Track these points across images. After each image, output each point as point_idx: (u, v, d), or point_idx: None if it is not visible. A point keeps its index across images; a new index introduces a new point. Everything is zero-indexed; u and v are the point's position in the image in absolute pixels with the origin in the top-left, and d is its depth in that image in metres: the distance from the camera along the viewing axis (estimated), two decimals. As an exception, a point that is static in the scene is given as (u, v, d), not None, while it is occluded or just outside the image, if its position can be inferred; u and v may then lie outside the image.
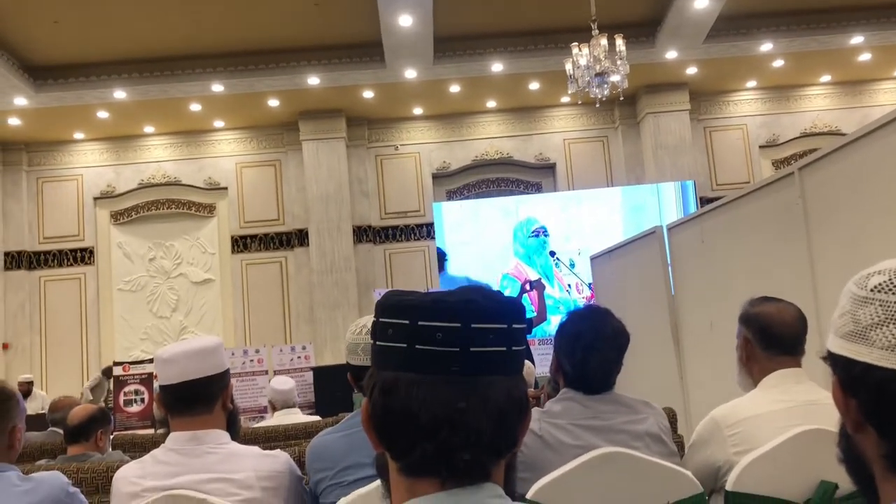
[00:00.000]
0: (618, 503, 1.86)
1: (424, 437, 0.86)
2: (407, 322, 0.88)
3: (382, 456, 0.94)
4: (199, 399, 1.92)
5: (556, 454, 1.92)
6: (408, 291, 0.94)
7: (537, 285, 6.95)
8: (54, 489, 1.94)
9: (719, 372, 4.14)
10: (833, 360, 0.93)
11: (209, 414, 1.93)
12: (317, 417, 5.04)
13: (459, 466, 0.86)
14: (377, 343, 0.92)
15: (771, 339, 2.24)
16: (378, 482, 1.51)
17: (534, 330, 7.90)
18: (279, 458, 1.95)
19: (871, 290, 0.89)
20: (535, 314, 6.79)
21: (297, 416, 4.72)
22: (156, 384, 6.52)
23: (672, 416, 3.21)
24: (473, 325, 0.87)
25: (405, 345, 0.88)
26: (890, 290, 0.87)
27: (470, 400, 0.86)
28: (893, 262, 0.91)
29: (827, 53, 11.30)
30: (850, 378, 0.90)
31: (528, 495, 1.79)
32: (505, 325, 0.89)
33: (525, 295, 7.55)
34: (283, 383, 4.94)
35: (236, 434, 2.02)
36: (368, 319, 2.00)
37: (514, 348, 0.90)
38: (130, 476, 1.89)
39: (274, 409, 4.90)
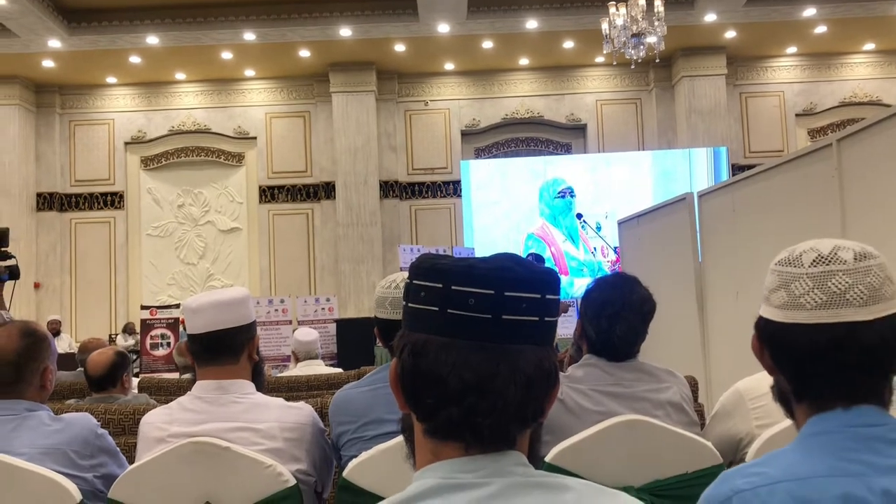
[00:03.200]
0: (637, 470, 1.87)
1: (451, 402, 0.87)
2: (440, 286, 0.88)
3: (408, 417, 0.94)
4: (225, 349, 1.94)
5: (576, 419, 1.92)
6: (443, 255, 0.93)
7: (537, 258, 6.96)
8: (84, 430, 1.98)
9: (743, 342, 4.12)
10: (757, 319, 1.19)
11: (235, 364, 1.96)
12: (339, 370, 5.09)
13: (484, 433, 0.87)
14: (409, 304, 0.92)
15: None
16: (399, 438, 1.53)
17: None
18: (303, 410, 1.97)
19: (776, 264, 1.17)
20: None
21: (319, 368, 4.78)
22: (182, 330, 6.60)
23: (693, 385, 3.21)
24: (507, 293, 0.87)
25: (437, 308, 0.88)
26: (788, 263, 1.14)
27: (499, 367, 0.86)
28: (804, 244, 1.16)
29: (872, 20, 10.97)
30: (759, 331, 1.17)
31: (548, 458, 1.81)
32: (538, 295, 0.88)
33: None
34: (307, 335, 4.99)
35: (261, 385, 2.05)
36: (399, 275, 2.01)
37: (546, 319, 0.89)
38: (157, 422, 1.92)
39: (297, 359, 4.97)
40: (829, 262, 1.10)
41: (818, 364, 1.09)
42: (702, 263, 4.85)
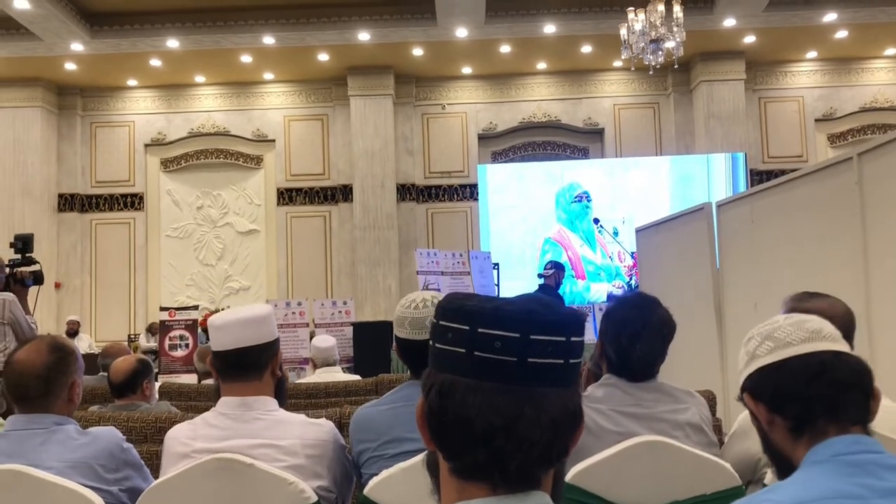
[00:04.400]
0: (655, 491, 1.88)
1: (478, 444, 0.88)
2: (467, 328, 0.89)
3: (433, 454, 0.96)
4: (249, 366, 1.97)
5: (596, 439, 1.94)
6: (469, 295, 0.94)
7: (557, 265, 6.98)
8: (110, 443, 2.02)
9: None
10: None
11: (259, 380, 1.99)
12: (356, 377, 5.12)
13: (511, 474, 0.88)
14: (436, 345, 0.93)
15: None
16: (420, 456, 1.55)
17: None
18: (324, 427, 2.00)
19: (751, 335, 1.36)
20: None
21: (337, 375, 4.81)
22: (200, 331, 6.66)
23: (711, 400, 3.21)
24: (532, 337, 0.87)
25: (464, 350, 0.89)
26: (764, 326, 1.34)
27: (525, 410, 0.87)
28: (765, 326, 1.33)
29: (893, 25, 10.88)
30: (751, 388, 1.32)
31: (567, 479, 1.82)
32: (563, 338, 0.89)
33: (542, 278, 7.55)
34: (324, 341, 5.03)
35: (284, 401, 2.08)
36: (419, 295, 2.03)
37: (570, 361, 0.90)
38: (182, 437, 1.96)
39: (315, 366, 5.00)
40: (800, 316, 1.32)
41: (813, 387, 1.24)
42: (720, 274, 4.84)
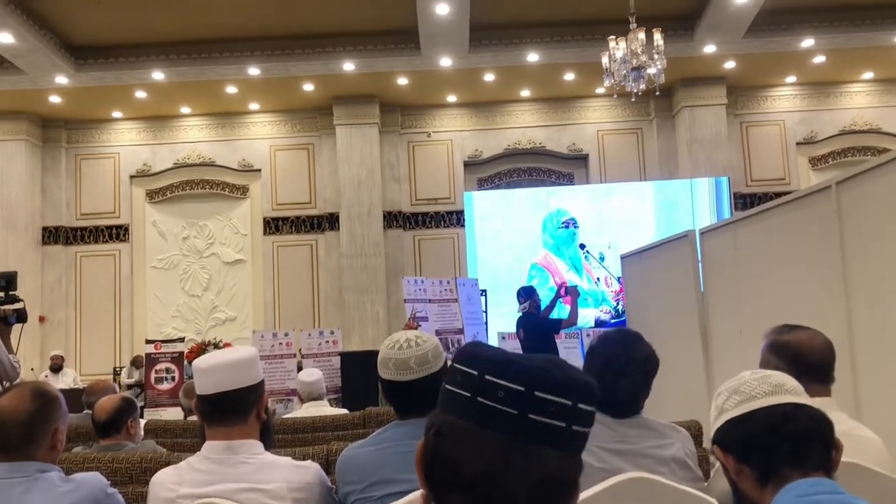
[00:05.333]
0: (641, 529, 1.88)
1: (463, 488, 0.87)
2: (475, 373, 0.89)
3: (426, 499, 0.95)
4: (234, 409, 1.97)
5: (581, 476, 1.94)
6: (489, 346, 0.94)
7: (573, 291, 6.96)
8: (94, 490, 2.01)
9: (747, 381, 4.13)
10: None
11: (244, 424, 1.98)
12: (343, 410, 5.09)
13: None
14: (446, 385, 0.93)
15: (803, 367, 2.22)
16: (406, 498, 1.55)
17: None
18: (310, 470, 2.00)
19: (719, 391, 1.46)
20: (567, 318, 6.83)
21: (324, 409, 4.78)
22: (186, 364, 6.60)
23: (698, 430, 3.22)
24: (537, 393, 0.86)
25: (468, 394, 0.89)
26: (731, 382, 1.43)
27: (514, 463, 0.86)
28: (733, 381, 1.43)
29: (870, 50, 11.08)
30: (720, 441, 1.40)
31: (553, 518, 1.82)
32: (569, 402, 0.87)
33: (559, 299, 7.56)
34: (310, 375, 5.00)
35: (270, 443, 2.07)
36: (402, 335, 2.03)
37: (574, 427, 0.88)
38: (167, 482, 1.95)
39: (301, 400, 4.98)
40: (764, 372, 1.42)
41: (776, 437, 1.32)
42: (705, 301, 4.87)
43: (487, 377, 0.88)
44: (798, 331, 2.27)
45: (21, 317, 4.36)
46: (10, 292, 4.42)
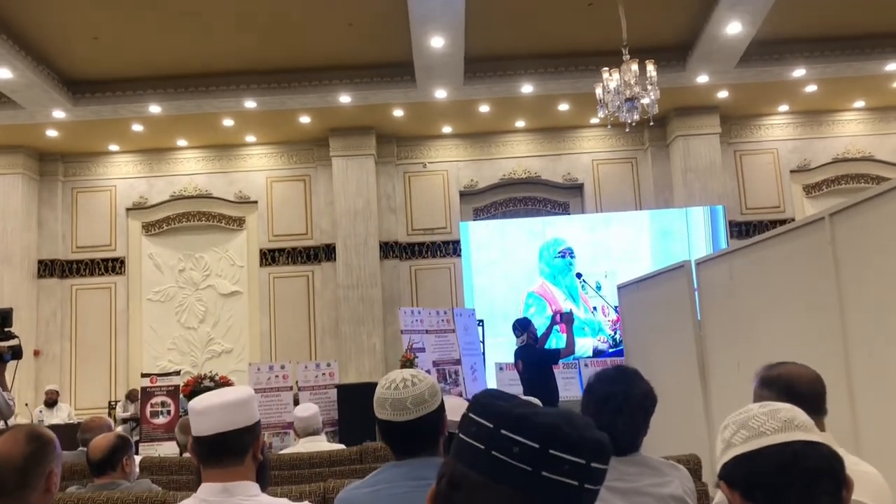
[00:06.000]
0: (641, 570, 1.87)
1: None
2: (490, 426, 0.90)
3: None
4: (230, 451, 1.95)
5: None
6: (505, 395, 0.95)
7: (567, 318, 6.95)
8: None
9: (745, 413, 4.11)
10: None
11: (240, 465, 1.97)
12: (340, 446, 5.06)
13: None
14: (460, 434, 0.94)
15: (795, 397, 2.24)
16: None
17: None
18: (306, 511, 1.98)
19: (726, 423, 1.39)
20: (565, 346, 6.80)
21: (321, 444, 4.75)
22: (182, 397, 6.55)
23: (696, 464, 3.20)
24: (551, 451, 0.87)
25: (483, 447, 0.90)
26: (739, 415, 1.37)
27: None
28: (740, 414, 1.37)
29: (861, 79, 11.20)
30: (727, 477, 1.34)
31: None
32: (583, 461, 0.88)
33: (555, 326, 7.55)
34: (306, 410, 4.97)
35: (266, 482, 2.06)
36: (398, 374, 2.02)
37: (587, 486, 0.89)
38: (163, 526, 1.93)
39: (298, 435, 4.94)
40: (774, 405, 1.37)
41: (786, 476, 1.28)
42: (702, 332, 4.87)
43: (503, 431, 0.89)
44: (786, 365, 2.34)
45: (16, 354, 4.34)
46: (6, 329, 4.40)
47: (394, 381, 2.01)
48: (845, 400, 3.31)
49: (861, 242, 3.37)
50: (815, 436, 1.33)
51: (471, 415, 0.93)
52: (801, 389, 2.23)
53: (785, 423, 1.33)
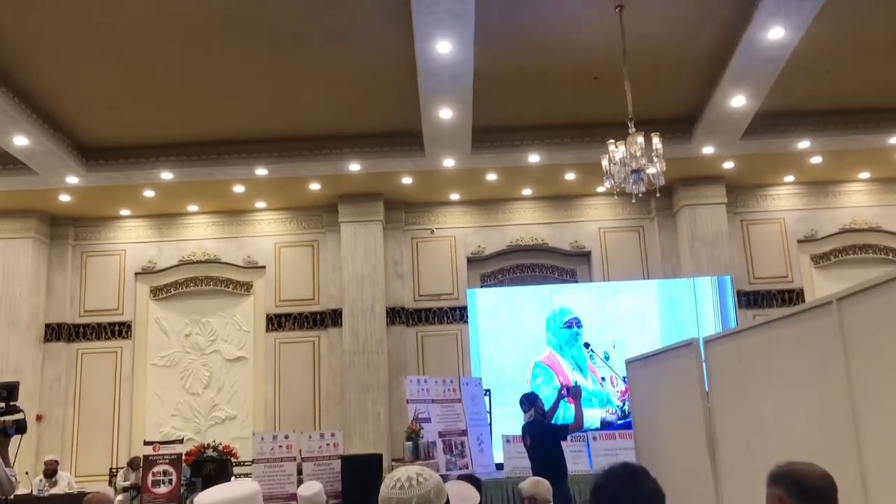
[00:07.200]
0: None
1: None
2: None
3: None
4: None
5: None
6: None
7: (575, 392, 6.89)
8: None
9: (758, 498, 4.03)
10: None
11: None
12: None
13: None
14: None
15: (805, 490, 2.27)
16: None
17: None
18: None
19: None
20: (573, 422, 6.73)
21: (325, 522, 4.67)
22: (185, 466, 6.48)
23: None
24: None
25: None
26: None
27: None
28: None
29: (866, 152, 11.30)
30: None
31: None
32: None
33: (563, 399, 7.49)
34: (310, 488, 4.91)
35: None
36: (403, 473, 2.00)
37: None
38: None
39: (301, 514, 4.86)
40: None
41: None
42: (711, 411, 4.82)
43: None
44: (795, 463, 2.37)
45: (20, 428, 4.32)
46: (11, 402, 4.38)
47: (399, 479, 1.99)
48: (859, 492, 3.25)
49: (870, 328, 3.35)
50: None
51: None
52: (810, 483, 2.28)
53: None
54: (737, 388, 4.56)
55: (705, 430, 4.81)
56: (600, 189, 12.21)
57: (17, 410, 4.35)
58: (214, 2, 7.52)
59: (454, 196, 12.68)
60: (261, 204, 12.59)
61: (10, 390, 4.36)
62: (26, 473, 9.61)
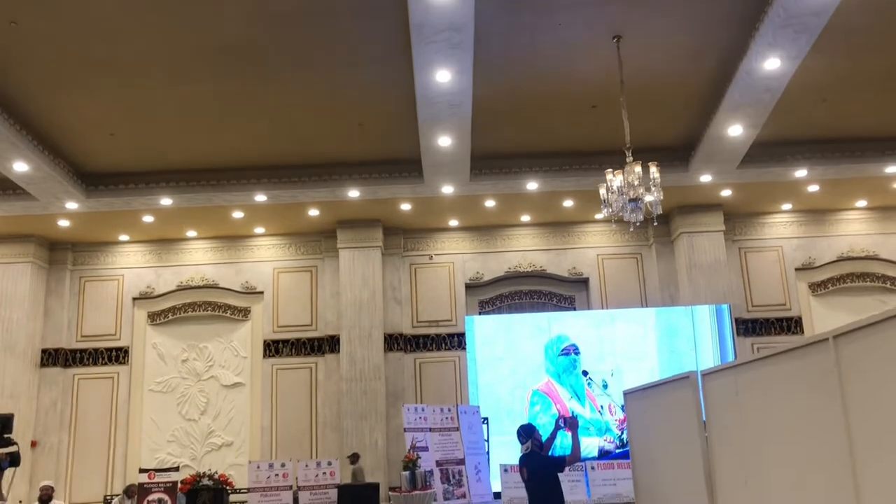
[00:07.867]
0: None
1: None
2: None
3: None
4: None
5: None
6: None
7: (572, 422, 6.85)
8: None
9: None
10: None
11: None
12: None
13: None
14: None
15: None
16: None
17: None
18: None
19: None
20: (571, 453, 6.68)
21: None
22: (180, 495, 6.45)
23: None
24: None
25: None
26: None
27: None
28: None
29: (862, 180, 11.35)
30: None
31: None
32: None
33: (560, 430, 7.45)
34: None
35: None
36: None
37: None
38: None
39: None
40: None
41: None
42: (709, 446, 4.79)
43: None
44: None
45: (14, 461, 4.30)
46: (5, 435, 4.37)
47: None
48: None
49: (868, 367, 3.34)
50: None
51: None
52: None
53: None
54: (734, 423, 4.53)
55: (703, 465, 4.78)
56: (598, 216, 12.25)
57: (11, 443, 4.33)
58: (214, 31, 7.58)
59: (453, 222, 12.70)
60: (259, 229, 12.61)
61: (5, 423, 4.35)
62: (20, 502, 9.53)
